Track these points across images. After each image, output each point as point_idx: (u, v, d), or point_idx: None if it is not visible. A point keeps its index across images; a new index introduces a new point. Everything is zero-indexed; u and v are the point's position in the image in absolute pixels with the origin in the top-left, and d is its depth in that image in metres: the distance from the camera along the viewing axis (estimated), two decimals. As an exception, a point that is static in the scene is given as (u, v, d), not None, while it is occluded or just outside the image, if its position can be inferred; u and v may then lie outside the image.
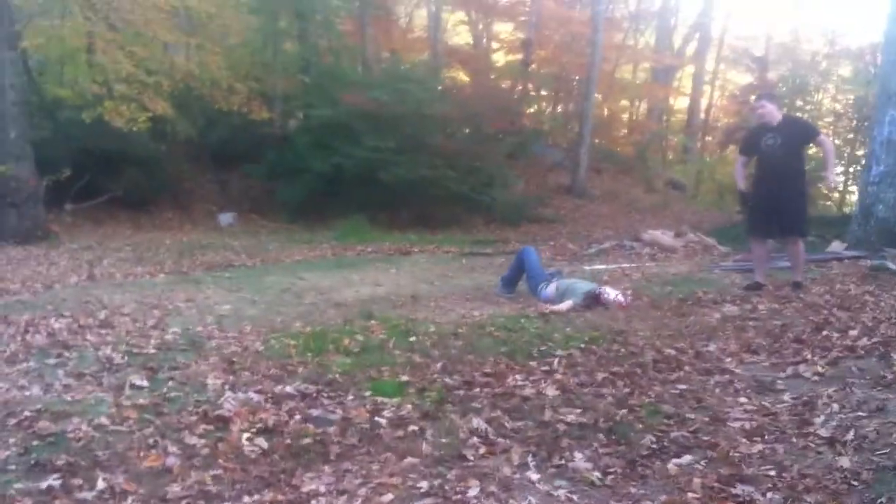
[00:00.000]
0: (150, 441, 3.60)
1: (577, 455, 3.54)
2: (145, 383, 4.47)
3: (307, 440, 3.64)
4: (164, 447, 3.53)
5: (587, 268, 8.32)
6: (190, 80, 18.75)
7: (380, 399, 4.21)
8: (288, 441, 3.63)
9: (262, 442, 3.60)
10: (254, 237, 16.15)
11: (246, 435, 3.66)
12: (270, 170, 19.75)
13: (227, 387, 4.38)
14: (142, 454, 3.45)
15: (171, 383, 4.48)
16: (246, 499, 3.09)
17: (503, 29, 30.86)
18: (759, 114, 7.61)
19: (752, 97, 8.34)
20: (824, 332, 5.66)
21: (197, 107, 19.82)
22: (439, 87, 21.41)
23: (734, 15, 48.98)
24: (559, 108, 30.86)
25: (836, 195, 25.93)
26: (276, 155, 19.62)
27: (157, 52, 18.26)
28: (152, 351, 5.27)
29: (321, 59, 21.53)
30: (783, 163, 7.39)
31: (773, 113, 7.45)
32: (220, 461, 3.40)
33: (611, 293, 7.33)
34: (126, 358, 5.05)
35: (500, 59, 30.40)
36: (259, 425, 3.78)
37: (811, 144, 7.95)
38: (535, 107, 29.82)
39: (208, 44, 19.17)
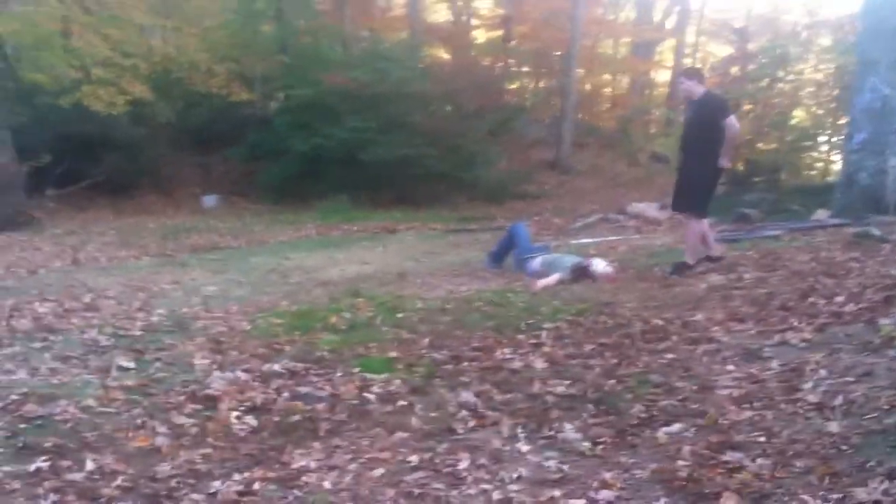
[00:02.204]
0: (139, 421, 3.58)
1: (567, 426, 3.55)
2: (132, 365, 4.44)
3: (296, 417, 3.64)
4: (153, 427, 3.52)
5: (573, 242, 8.32)
6: (168, 62, 18.64)
7: (368, 375, 4.20)
8: (277, 419, 3.62)
9: (251, 420, 3.60)
10: (238, 219, 16.08)
11: (234, 413, 3.65)
12: (252, 152, 19.66)
13: (214, 366, 4.37)
14: (130, 435, 3.43)
15: (157, 364, 4.45)
16: (236, 476, 3.08)
17: (483, 5, 30.71)
18: (682, 90, 7.66)
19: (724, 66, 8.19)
20: (810, 299, 5.67)
21: (176, 89, 19.68)
22: (420, 66, 21.27)
23: (714, -13, 48.85)
24: (541, 84, 30.78)
25: (820, 164, 26.04)
26: (257, 136, 19.52)
27: (134, 34, 18.04)
28: (138, 333, 5.24)
29: (299, 40, 21.37)
30: (691, 138, 7.38)
31: (692, 88, 7.37)
32: (209, 440, 3.40)
33: (598, 265, 7.34)
34: (112, 340, 5.02)
35: (480, 36, 30.25)
36: (247, 404, 3.77)
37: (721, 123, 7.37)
38: (517, 83, 29.75)
39: (185, 25, 19.02)
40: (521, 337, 5.04)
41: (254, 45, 20.69)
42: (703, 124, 7.24)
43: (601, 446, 3.35)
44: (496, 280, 7.53)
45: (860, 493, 2.80)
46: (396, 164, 18.14)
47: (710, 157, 7.22)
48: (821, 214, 11.19)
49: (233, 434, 3.47)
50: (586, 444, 3.35)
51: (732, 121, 7.27)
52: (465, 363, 4.47)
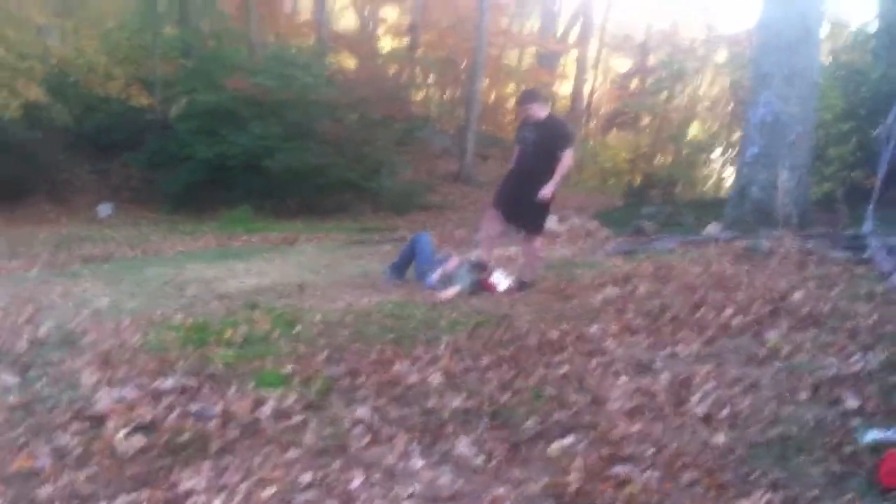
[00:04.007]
0: (20, 441, 3.45)
1: (462, 440, 3.56)
2: (16, 381, 4.28)
3: (186, 436, 3.54)
4: (35, 448, 3.39)
5: (475, 253, 8.35)
6: (65, 64, 18.14)
7: (263, 391, 4.13)
8: (166, 437, 3.52)
9: (139, 439, 3.48)
10: (134, 228, 15.70)
11: (122, 432, 3.54)
12: (151, 158, 19.25)
13: (102, 383, 4.23)
14: (10, 456, 3.30)
15: (43, 381, 4.29)
16: (121, 498, 2.99)
17: (389, 13, 30.78)
18: (524, 113, 7.66)
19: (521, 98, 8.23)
20: (700, 312, 5.83)
21: (73, 93, 19.19)
22: (326, 73, 21.18)
23: (616, 2, 49.97)
24: (446, 94, 30.97)
25: (714, 178, 26.86)
26: (158, 142, 19.13)
27: (30, 35, 17.56)
28: (24, 348, 5.05)
29: (203, 43, 21.05)
30: (532, 160, 7.43)
31: (536, 112, 7.46)
32: (94, 460, 3.29)
33: (497, 278, 7.40)
34: (-5, 356, 4.83)
35: (386, 44, 30.31)
36: (136, 422, 3.66)
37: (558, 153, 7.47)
38: (423, 92, 29.86)
39: (84, 27, 18.56)
40: (419, 350, 5.03)
41: (155, 47, 20.30)
42: (544, 148, 7.36)
43: (495, 460, 3.37)
44: (397, 292, 7.51)
45: (745, 504, 2.89)
46: (302, 173, 18.00)
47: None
48: (713, 228, 11.50)
49: (119, 454, 3.36)
50: (480, 459, 3.37)
51: (569, 154, 7.43)
52: (363, 377, 4.43)
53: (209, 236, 14.15)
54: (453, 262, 7.72)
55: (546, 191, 7.26)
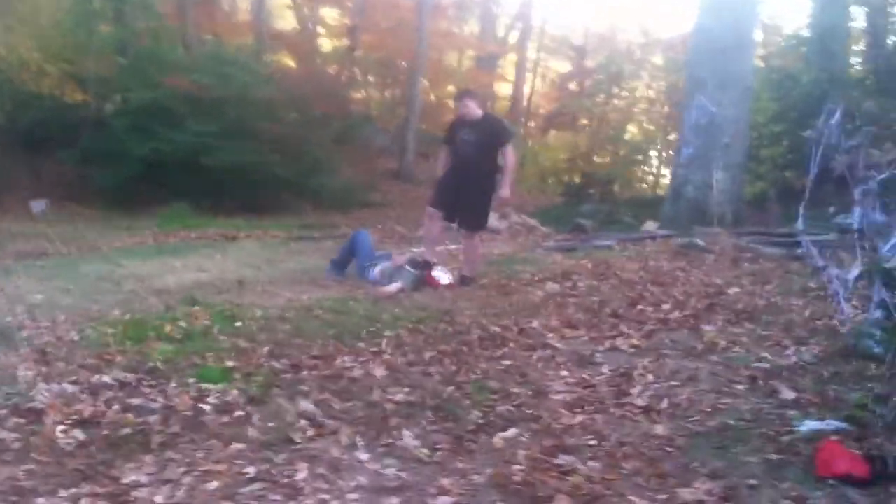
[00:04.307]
0: (-44, 437, 3.38)
1: (406, 433, 3.57)
2: (-50, 376, 4.18)
3: (127, 430, 3.49)
4: (-28, 443, 3.32)
5: (415, 250, 8.38)
6: (-3, 61, 17.75)
7: (204, 386, 4.08)
8: (106, 432, 3.47)
9: (79, 434, 3.43)
10: (69, 224, 15.35)
11: (61, 427, 3.48)
12: (85, 155, 18.85)
13: (39, 378, 4.13)
14: (-54, 451, 3.23)
15: (-23, 377, 4.21)
16: (62, 493, 2.94)
17: (329, 14, 30.60)
18: (462, 112, 7.66)
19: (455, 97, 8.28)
20: (639, 307, 5.93)
21: (5, 89, 18.76)
22: (265, 72, 21.00)
23: (554, 5, 50.44)
24: (387, 94, 30.91)
25: (651, 177, 27.22)
26: (92, 139, 18.74)
27: (-39, 31, 17.17)
28: (-44, 344, 4.94)
29: (139, 41, 20.73)
30: (474, 159, 7.50)
31: (474, 110, 7.58)
32: (34, 455, 3.23)
33: (438, 274, 7.43)
34: (-73, 352, 4.71)
35: (326, 44, 30.15)
36: (75, 417, 3.60)
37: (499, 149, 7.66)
38: (363, 92, 29.77)
39: (17, 24, 18.16)
40: (361, 345, 5.03)
41: (89, 45, 19.92)
42: (485, 146, 7.47)
43: (439, 453, 3.38)
44: (337, 288, 7.49)
45: (685, 493, 2.94)
46: (240, 170, 17.82)
47: (492, 178, 7.62)
48: (650, 226, 11.69)
49: (59, 449, 3.30)
50: (425, 451, 3.38)
51: (511, 149, 7.56)
52: (305, 372, 4.42)
53: (146, 233, 13.91)
54: (399, 260, 7.74)
55: (505, 191, 7.42)
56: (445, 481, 3.09)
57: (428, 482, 3.11)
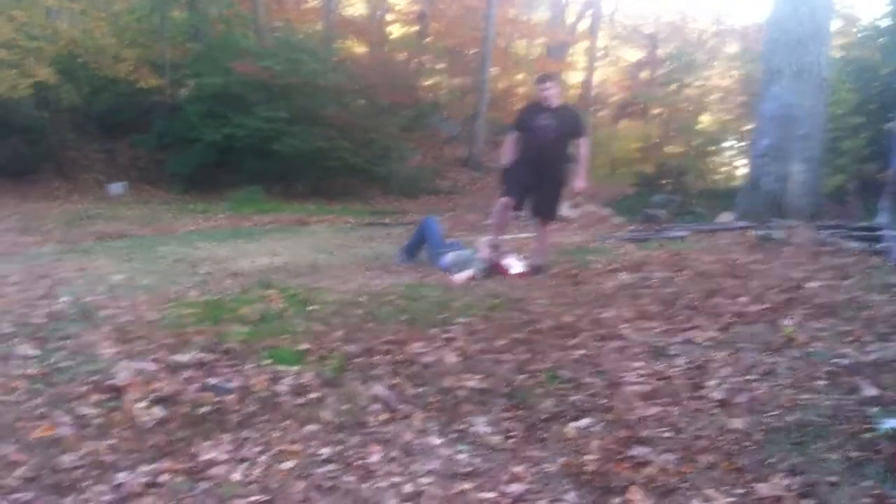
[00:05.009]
0: (41, 411, 3.47)
1: (478, 420, 3.57)
2: (35, 353, 4.29)
3: (205, 409, 3.57)
4: (56, 417, 3.41)
5: (485, 238, 8.34)
6: (74, 46, 18.11)
7: (279, 367, 4.14)
8: (185, 410, 3.54)
9: (158, 411, 3.51)
10: (145, 207, 15.72)
11: (141, 404, 3.55)
12: (159, 140, 19.26)
13: (120, 356, 4.24)
14: (31, 425, 3.32)
15: (61, 353, 4.30)
16: (142, 468, 3.01)
17: (398, 1, 30.67)
18: (544, 95, 7.40)
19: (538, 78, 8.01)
20: (715, 299, 5.80)
21: (82, 74, 19.18)
22: (333, 58, 21.14)
23: (625, -7, 49.77)
24: (455, 82, 30.87)
25: (725, 168, 26.77)
26: (166, 125, 19.17)
27: (39, 17, 17.53)
28: (41, 321, 5.04)
29: (212, 28, 21.03)
30: (553, 146, 7.36)
31: (554, 95, 7.41)
32: (115, 431, 3.31)
33: (510, 262, 7.40)
34: (14, 328, 4.83)
35: (395, 31, 30.22)
36: (154, 395, 3.68)
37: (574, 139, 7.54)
38: (432, 80, 29.78)
39: (92, 9, 18.53)
40: (433, 331, 5.02)
41: (163, 31, 20.29)
42: (564, 134, 7.37)
43: (511, 440, 3.38)
44: (409, 274, 7.50)
45: (762, 488, 2.88)
46: (310, 156, 18.04)
47: (567, 166, 7.52)
48: (725, 217, 11.49)
49: (139, 425, 3.38)
50: (497, 438, 3.38)
51: (585, 140, 7.46)
52: (378, 356, 4.43)
53: (220, 216, 14.18)
54: (484, 252, 7.68)
55: (581, 183, 7.34)
56: (517, 469, 3.09)
57: (500, 469, 3.11)
